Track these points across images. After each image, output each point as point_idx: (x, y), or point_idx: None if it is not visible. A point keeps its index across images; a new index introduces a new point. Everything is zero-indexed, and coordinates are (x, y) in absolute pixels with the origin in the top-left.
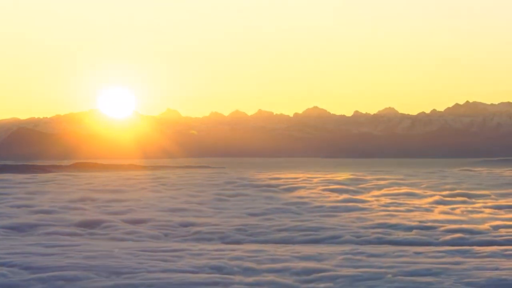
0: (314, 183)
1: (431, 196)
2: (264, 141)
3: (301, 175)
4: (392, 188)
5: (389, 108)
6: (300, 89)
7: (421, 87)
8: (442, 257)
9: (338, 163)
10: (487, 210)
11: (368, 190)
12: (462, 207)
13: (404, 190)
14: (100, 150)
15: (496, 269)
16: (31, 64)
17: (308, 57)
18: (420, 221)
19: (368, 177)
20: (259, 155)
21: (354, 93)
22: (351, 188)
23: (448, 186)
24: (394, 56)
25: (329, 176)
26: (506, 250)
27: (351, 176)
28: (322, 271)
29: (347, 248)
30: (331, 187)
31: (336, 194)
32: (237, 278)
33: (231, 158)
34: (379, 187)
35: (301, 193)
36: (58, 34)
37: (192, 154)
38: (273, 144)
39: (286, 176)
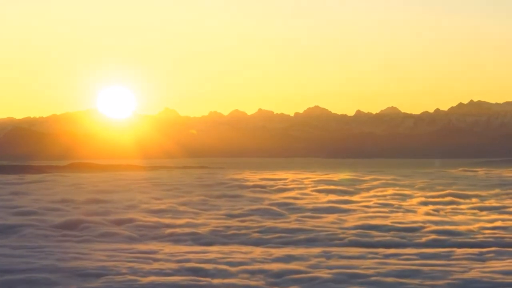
0: (306, 183)
1: (419, 197)
2: (265, 141)
3: (295, 176)
4: (383, 189)
5: (392, 107)
6: (301, 88)
7: (425, 86)
8: (414, 259)
9: (339, 163)
10: (472, 211)
11: (358, 191)
12: (447, 208)
13: (394, 191)
14: (98, 150)
15: (465, 271)
16: (27, 62)
17: (309, 56)
18: (400, 223)
19: (363, 178)
20: (260, 155)
21: (356, 92)
22: (341, 188)
23: (440, 187)
24: (397, 54)
25: (324, 176)
26: (482, 252)
27: (347, 177)
28: (294, 273)
29: (321, 250)
30: (322, 187)
31: (324, 195)
32: (209, 280)
33: (231, 158)
34: (370, 188)
35: (290, 193)
36: (55, 33)
37: (192, 154)
38: (273, 144)
39: (280, 176)
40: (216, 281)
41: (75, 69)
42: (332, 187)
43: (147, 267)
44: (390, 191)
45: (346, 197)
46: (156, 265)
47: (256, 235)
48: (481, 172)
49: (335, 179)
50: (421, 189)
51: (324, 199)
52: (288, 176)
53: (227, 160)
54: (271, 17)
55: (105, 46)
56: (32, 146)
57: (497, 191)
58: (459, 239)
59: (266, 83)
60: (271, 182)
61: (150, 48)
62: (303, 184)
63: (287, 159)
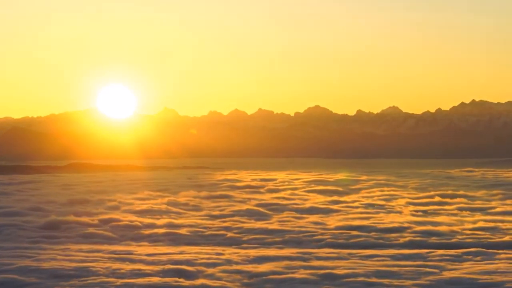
0: (299, 184)
1: (408, 197)
2: (265, 141)
3: (289, 176)
4: (374, 190)
5: (393, 107)
6: (301, 88)
7: (426, 86)
8: (391, 260)
9: (339, 163)
10: (457, 212)
11: (349, 191)
12: (434, 209)
13: (385, 191)
14: (98, 150)
15: (438, 272)
16: (25, 61)
17: (309, 55)
18: (383, 224)
19: (359, 178)
20: (260, 156)
21: (357, 91)
22: (333, 189)
23: (432, 188)
24: (398, 54)
25: (319, 177)
26: (460, 253)
27: (342, 177)
28: (269, 274)
29: (299, 251)
30: (314, 188)
31: (314, 195)
32: (185, 281)
33: (231, 158)
34: (362, 189)
35: (279, 194)
36: (54, 32)
37: (193, 154)
38: (273, 144)
39: (274, 176)
40: (192, 282)
41: (74, 68)
42: (324, 187)
43: (123, 268)
44: (381, 191)
45: (335, 198)
46: (132, 266)
47: (235, 236)
48: (478, 172)
49: (329, 179)
50: (413, 189)
51: (312, 200)
52: (283, 176)
53: (227, 160)
54: (271, 17)
55: (104, 46)
56: (31, 146)
57: (487, 192)
58: (439, 240)
59: (266, 83)
60: (264, 183)
61: (149, 47)
62: (296, 184)
63: (287, 159)
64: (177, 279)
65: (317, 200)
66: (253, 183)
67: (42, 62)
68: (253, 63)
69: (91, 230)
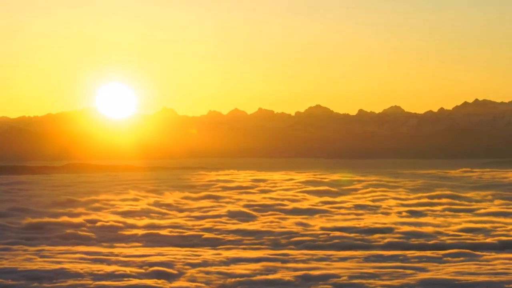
0: (293, 184)
1: (399, 198)
2: (265, 141)
3: (285, 176)
4: (367, 190)
5: (395, 106)
6: (302, 87)
7: (428, 85)
8: (366, 261)
9: (340, 164)
10: (445, 213)
11: (343, 192)
12: (422, 210)
13: (378, 192)
14: (97, 151)
15: (413, 274)
16: (22, 60)
17: (310, 54)
18: (366, 225)
19: (355, 178)
20: (260, 156)
21: (359, 91)
22: (326, 189)
23: (425, 188)
24: (400, 53)
25: (315, 177)
26: (440, 254)
27: (339, 178)
28: (243, 276)
29: (279, 252)
30: (307, 189)
31: (305, 196)
32: (164, 282)
33: (232, 159)
34: (356, 189)
35: (270, 195)
36: (51, 32)
37: (193, 154)
38: (274, 144)
39: (270, 177)
40: (170, 284)
41: (71, 68)
42: (316, 188)
43: (102, 269)
44: (374, 192)
45: (326, 198)
46: (110, 268)
47: (215, 237)
48: (476, 173)
49: (324, 180)
50: (405, 190)
51: (302, 201)
52: (277, 176)
53: (227, 161)
54: (271, 16)
55: (102, 45)
56: (28, 146)
57: (478, 193)
58: (421, 242)
59: (266, 82)
60: (256, 183)
61: (147, 46)
62: (288, 185)
63: (287, 160)
64: (156, 280)
65: (307, 201)
66: (245, 184)
67: (39, 61)
68: (253, 62)
69: (71, 231)
